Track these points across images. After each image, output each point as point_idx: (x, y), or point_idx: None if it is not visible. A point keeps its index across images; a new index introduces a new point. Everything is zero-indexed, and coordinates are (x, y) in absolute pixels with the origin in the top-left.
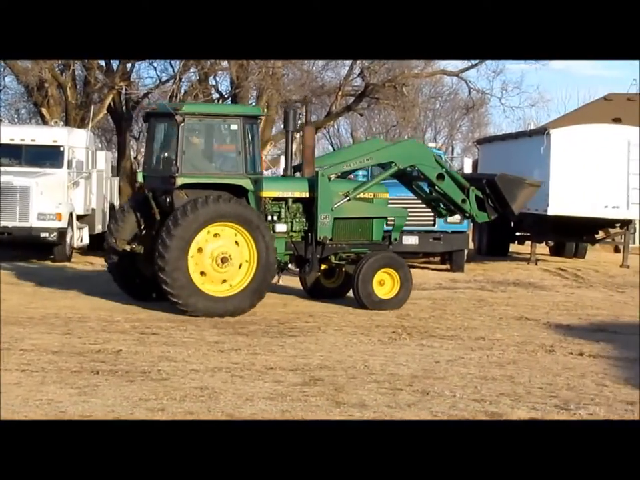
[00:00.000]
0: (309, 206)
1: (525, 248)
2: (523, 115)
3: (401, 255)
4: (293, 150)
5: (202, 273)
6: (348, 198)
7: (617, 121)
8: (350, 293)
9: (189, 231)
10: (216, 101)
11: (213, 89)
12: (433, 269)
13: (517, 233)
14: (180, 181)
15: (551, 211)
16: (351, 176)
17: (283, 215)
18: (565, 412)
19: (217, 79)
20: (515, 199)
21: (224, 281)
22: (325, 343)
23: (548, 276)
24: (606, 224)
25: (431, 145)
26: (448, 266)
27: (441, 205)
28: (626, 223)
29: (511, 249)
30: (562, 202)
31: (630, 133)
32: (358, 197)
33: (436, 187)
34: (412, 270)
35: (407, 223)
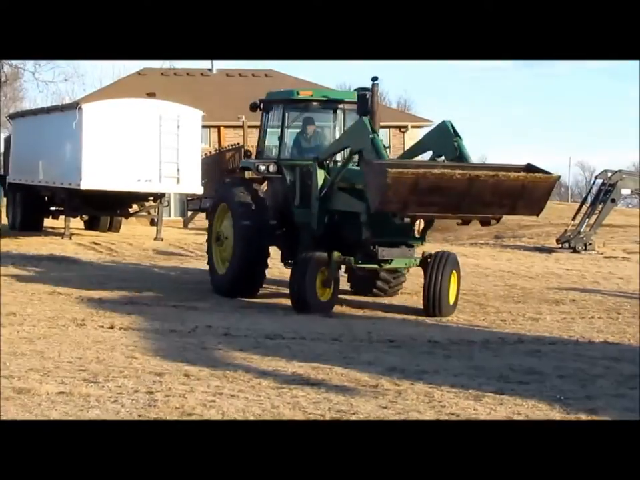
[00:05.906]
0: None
1: (60, 222)
2: (57, 89)
3: None
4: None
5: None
6: (325, 189)
7: (151, 95)
8: None
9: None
10: None
11: None
12: None
13: (52, 208)
14: None
15: (84, 185)
16: None
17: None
18: (94, 385)
19: None
20: None
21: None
22: None
23: (82, 250)
24: (139, 197)
25: None
26: None
27: None
28: (159, 197)
29: (46, 224)
30: (94, 176)
31: (162, 106)
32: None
33: None
34: None
35: None
